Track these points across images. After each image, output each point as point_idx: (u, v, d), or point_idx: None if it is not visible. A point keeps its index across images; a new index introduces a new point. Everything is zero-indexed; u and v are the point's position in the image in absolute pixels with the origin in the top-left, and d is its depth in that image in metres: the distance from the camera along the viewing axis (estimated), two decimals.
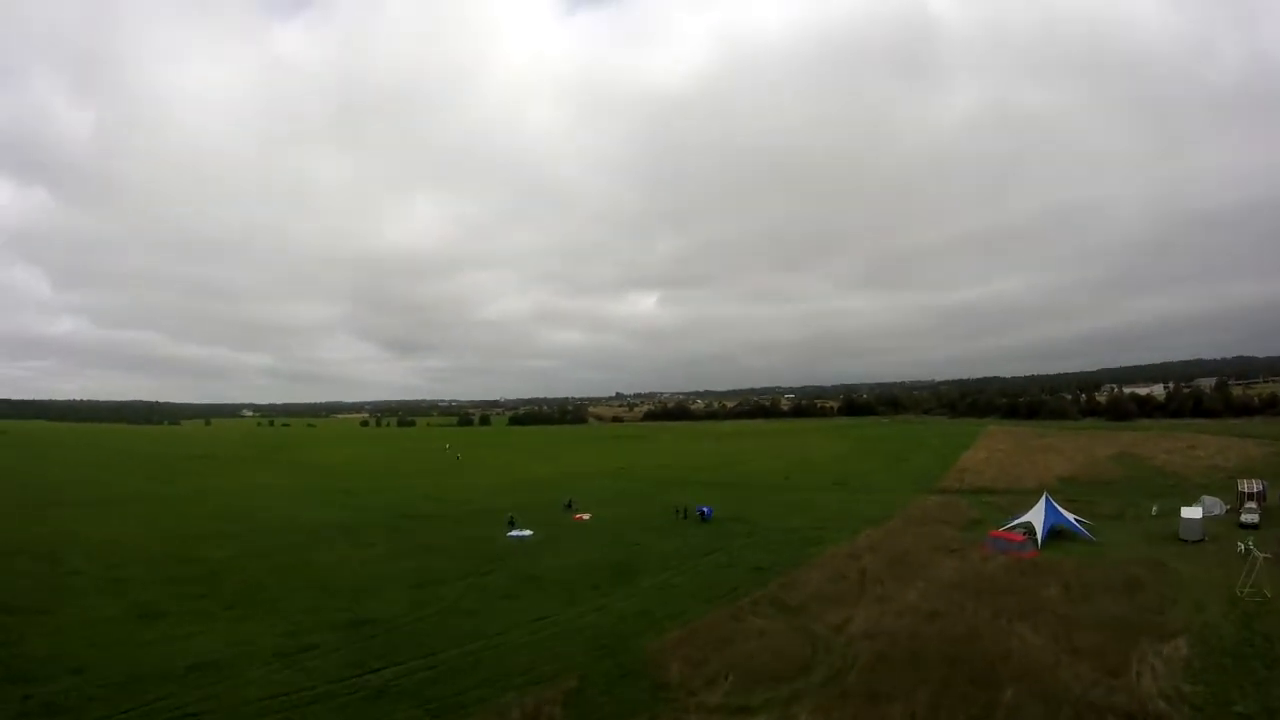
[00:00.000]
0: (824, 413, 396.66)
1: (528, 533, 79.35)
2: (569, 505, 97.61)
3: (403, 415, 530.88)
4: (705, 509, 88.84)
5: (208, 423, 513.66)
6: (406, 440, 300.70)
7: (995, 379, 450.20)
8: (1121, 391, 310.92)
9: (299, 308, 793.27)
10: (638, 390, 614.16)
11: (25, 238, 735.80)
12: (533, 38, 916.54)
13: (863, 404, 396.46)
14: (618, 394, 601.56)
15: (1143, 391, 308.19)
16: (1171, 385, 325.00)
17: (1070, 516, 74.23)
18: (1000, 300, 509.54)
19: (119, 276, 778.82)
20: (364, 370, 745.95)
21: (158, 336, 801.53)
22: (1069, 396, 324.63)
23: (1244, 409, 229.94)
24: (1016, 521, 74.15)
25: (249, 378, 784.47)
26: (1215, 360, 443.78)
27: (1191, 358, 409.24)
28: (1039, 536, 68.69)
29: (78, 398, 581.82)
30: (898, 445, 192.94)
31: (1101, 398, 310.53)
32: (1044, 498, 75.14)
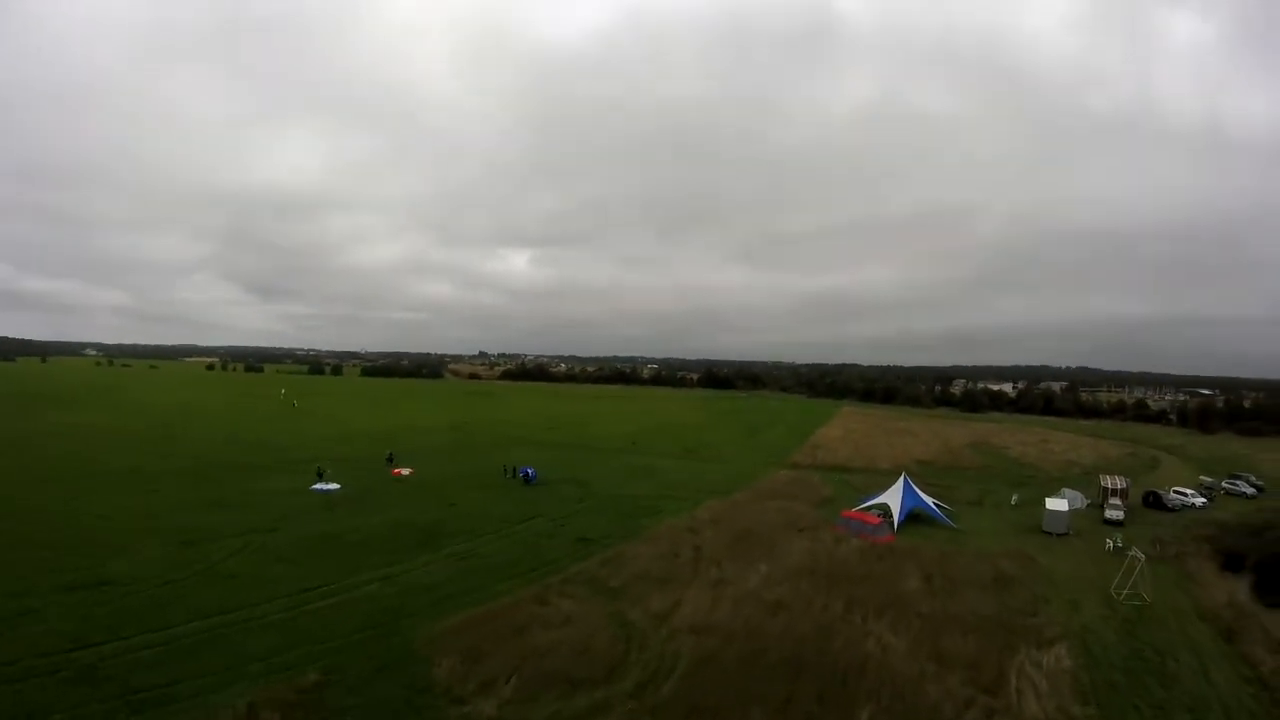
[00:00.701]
0: (684, 383, 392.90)
1: (335, 486, 71.42)
2: (390, 459, 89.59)
3: (252, 361, 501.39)
4: (529, 470, 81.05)
5: (44, 359, 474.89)
6: (248, 386, 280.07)
7: (854, 365, 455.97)
8: (975, 385, 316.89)
9: (158, 242, 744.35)
10: (503, 350, 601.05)
11: None
12: None
13: (723, 378, 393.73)
14: (481, 353, 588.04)
15: (994, 387, 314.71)
16: (1022, 384, 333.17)
17: (929, 500, 68.72)
18: (866, 289, 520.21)
19: None
20: (223, 313, 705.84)
21: (5, 267, 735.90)
22: (923, 386, 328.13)
23: (1093, 411, 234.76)
24: (872, 502, 68.48)
25: (99, 316, 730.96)
26: (1061, 368, 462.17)
27: (1039, 363, 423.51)
28: (895, 519, 62.93)
29: None
30: (753, 418, 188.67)
31: (955, 390, 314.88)
32: (902, 478, 69.50)
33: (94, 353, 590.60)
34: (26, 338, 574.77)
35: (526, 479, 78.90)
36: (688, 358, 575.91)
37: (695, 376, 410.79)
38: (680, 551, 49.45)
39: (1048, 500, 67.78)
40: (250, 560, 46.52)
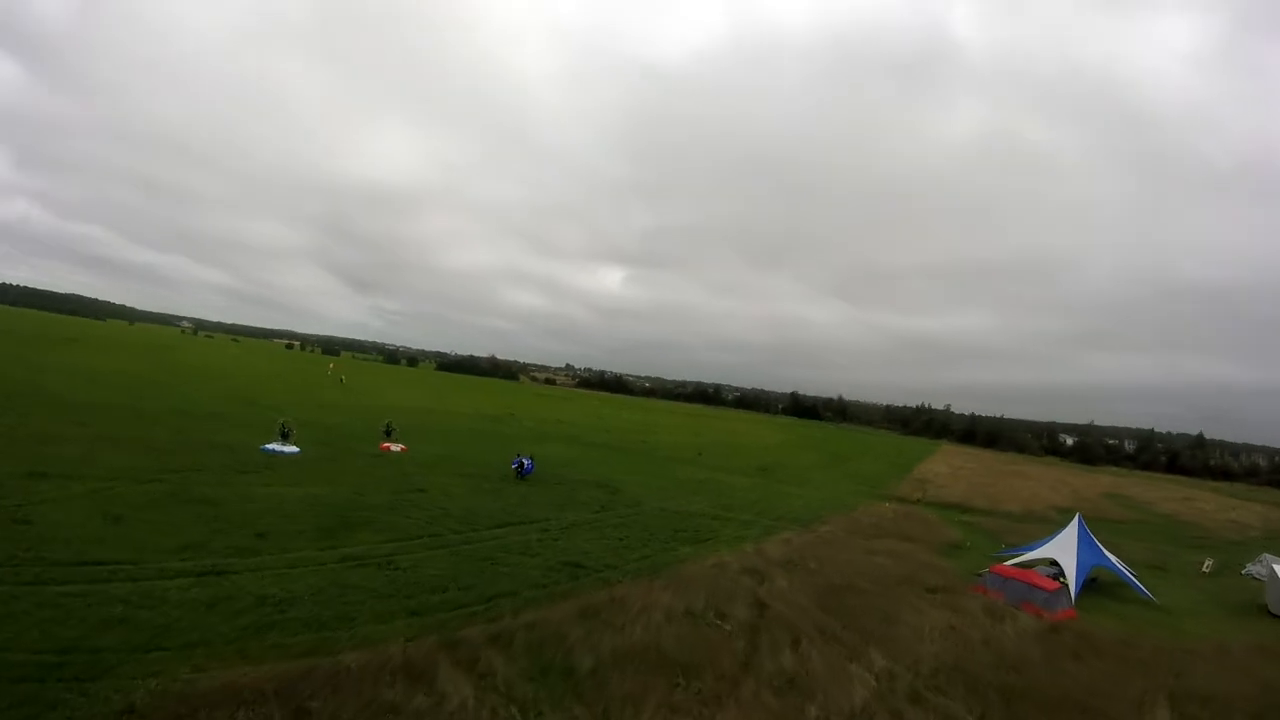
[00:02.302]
0: (769, 408, 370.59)
1: (294, 449, 57.18)
2: (387, 432, 72.95)
3: (329, 346, 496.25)
4: (526, 461, 61.80)
5: (130, 324, 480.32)
6: (309, 362, 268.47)
7: (946, 411, 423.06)
8: (1093, 426, 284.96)
9: (261, 226, 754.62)
10: (589, 365, 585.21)
11: None
12: None
13: (809, 406, 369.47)
14: (567, 365, 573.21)
15: (1109, 441, 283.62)
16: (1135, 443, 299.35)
17: (1115, 560, 46.14)
18: (960, 335, 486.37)
19: (81, 165, 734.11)
20: (318, 302, 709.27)
21: (113, 235, 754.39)
22: (1029, 434, 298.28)
23: (1222, 473, 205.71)
24: (1031, 555, 46.37)
25: (202, 294, 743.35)
26: (1171, 434, 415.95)
27: (1145, 427, 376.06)
28: (1073, 585, 40.22)
29: (27, 284, 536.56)
30: (841, 446, 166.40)
31: (1064, 440, 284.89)
32: (1076, 521, 47.94)
33: (187, 324, 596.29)
34: (130, 305, 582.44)
35: (520, 471, 60.00)
36: (773, 389, 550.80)
37: (780, 404, 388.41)
38: (728, 610, 28.18)
39: (1276, 566, 46.06)
40: (71, 509, 31.84)
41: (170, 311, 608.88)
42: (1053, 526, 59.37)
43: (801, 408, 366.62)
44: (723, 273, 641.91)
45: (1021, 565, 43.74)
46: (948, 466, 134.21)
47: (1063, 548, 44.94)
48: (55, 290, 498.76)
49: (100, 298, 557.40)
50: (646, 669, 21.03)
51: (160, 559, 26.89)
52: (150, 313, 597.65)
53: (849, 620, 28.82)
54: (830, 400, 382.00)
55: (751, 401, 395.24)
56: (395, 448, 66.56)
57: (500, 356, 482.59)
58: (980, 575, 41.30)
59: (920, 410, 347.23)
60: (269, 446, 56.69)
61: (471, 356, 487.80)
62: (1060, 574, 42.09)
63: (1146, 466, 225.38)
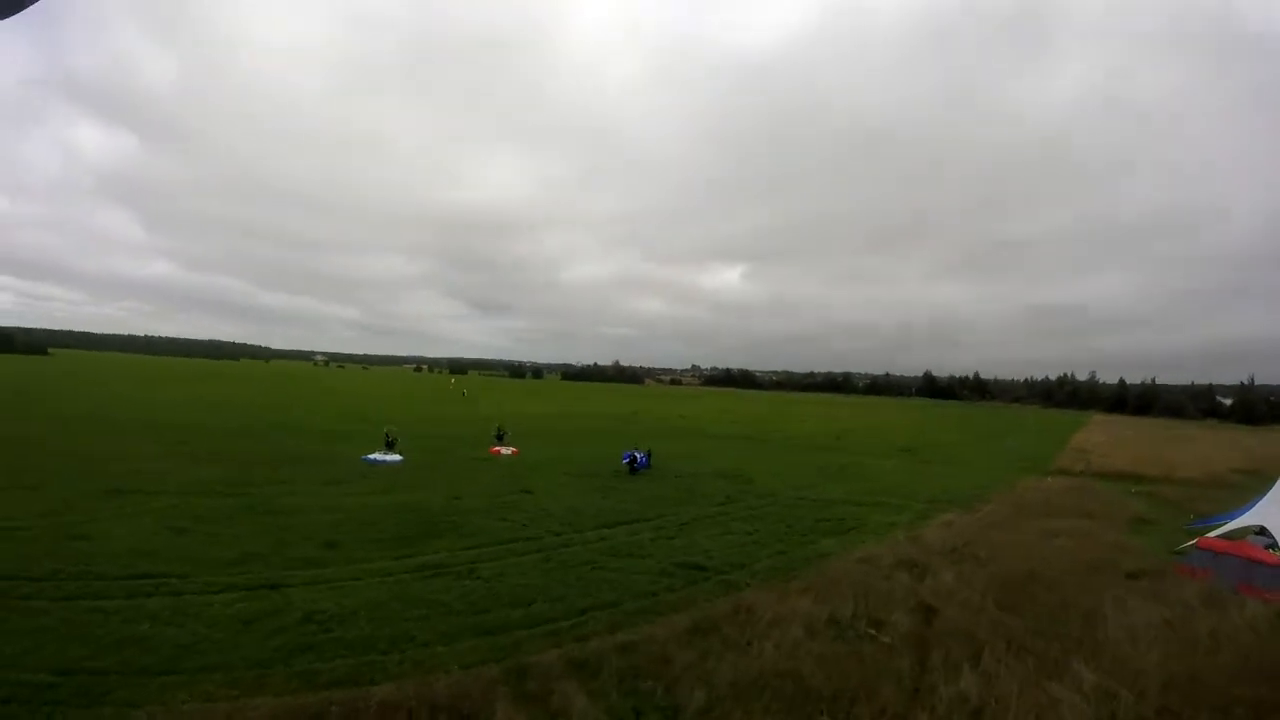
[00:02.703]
0: (901, 391, 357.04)
1: (396, 458, 54.78)
2: (499, 436, 69.87)
3: (456, 366, 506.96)
4: (640, 455, 57.18)
5: (267, 361, 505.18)
6: (436, 382, 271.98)
7: (1090, 382, 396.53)
8: (1253, 385, 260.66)
9: (380, 262, 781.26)
10: (714, 365, 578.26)
11: (116, 181, 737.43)
12: None
13: (944, 386, 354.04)
14: (693, 365, 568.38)
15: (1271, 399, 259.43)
16: None
17: None
18: (1097, 300, 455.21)
19: (206, 223, 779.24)
20: (445, 327, 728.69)
21: (246, 285, 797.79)
22: (1184, 398, 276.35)
23: None
24: (1234, 524, 38.40)
25: (334, 329, 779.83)
26: None
27: None
28: None
29: (174, 336, 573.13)
30: (985, 424, 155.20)
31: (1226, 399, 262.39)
32: None
33: (321, 358, 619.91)
34: (266, 345, 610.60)
35: (633, 466, 55.36)
36: (904, 374, 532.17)
37: (912, 386, 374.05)
38: (885, 618, 22.35)
39: None
40: (137, 524, 30.26)
41: (304, 348, 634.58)
42: (1239, 491, 51.59)
43: (936, 388, 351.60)
44: (843, 260, 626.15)
45: (1227, 536, 36.27)
46: (1105, 436, 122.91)
47: (1270, 512, 37.30)
48: (196, 338, 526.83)
49: (238, 340, 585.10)
50: (780, 704, 15.61)
51: (213, 572, 23.89)
52: (285, 350, 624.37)
53: (1040, 623, 22.55)
54: (965, 379, 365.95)
55: (883, 386, 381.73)
56: (506, 451, 63.57)
57: (625, 363, 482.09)
58: (1182, 553, 34.24)
59: (1063, 381, 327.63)
60: (370, 456, 54.50)
61: (595, 364, 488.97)
62: (1274, 544, 34.62)
63: None
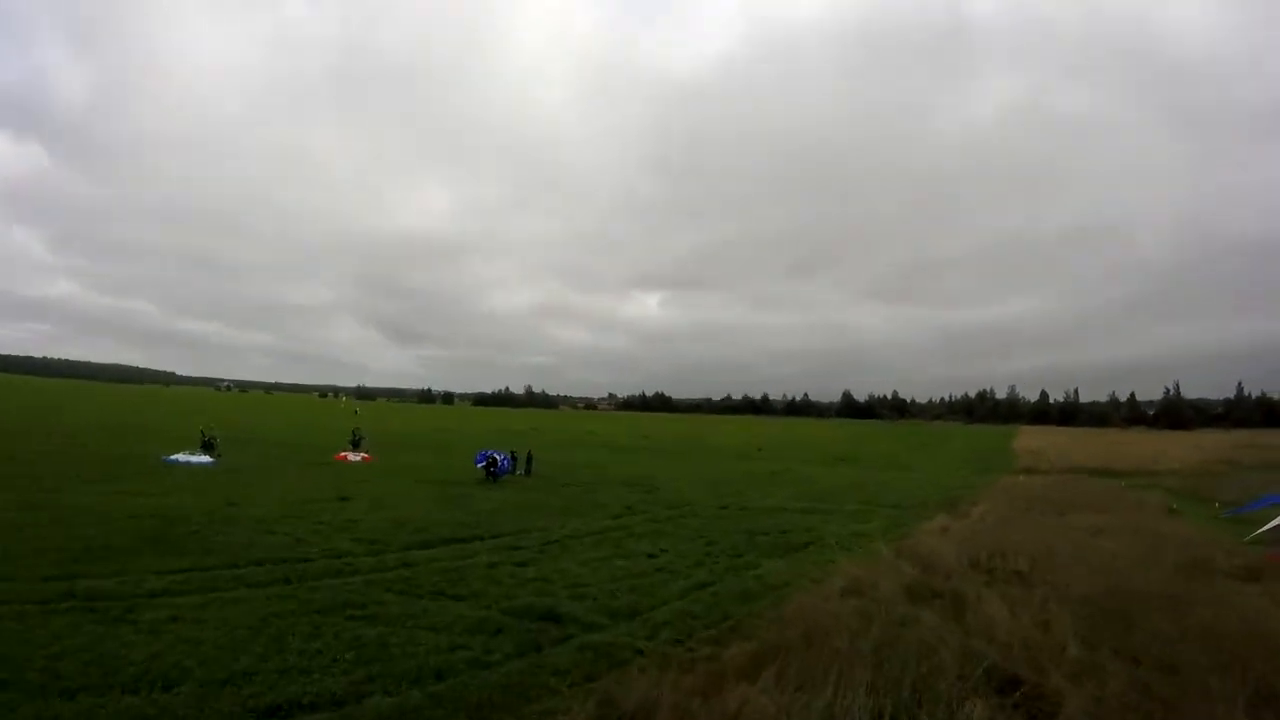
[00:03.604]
0: (821, 413, 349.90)
1: (206, 460, 45.53)
2: (354, 442, 59.27)
3: (364, 394, 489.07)
4: (502, 456, 45.19)
5: (168, 385, 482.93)
6: (332, 406, 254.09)
7: (1010, 398, 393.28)
8: (1179, 394, 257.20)
9: (299, 288, 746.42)
10: (632, 393, 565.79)
11: (22, 198, 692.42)
12: (546, 13, 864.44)
13: (864, 406, 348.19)
14: (610, 394, 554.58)
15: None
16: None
17: None
18: (1014, 320, 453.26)
19: (116, 244, 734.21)
20: (363, 355, 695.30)
21: (155, 309, 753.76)
22: (1108, 406, 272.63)
23: None
24: None
25: (247, 356, 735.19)
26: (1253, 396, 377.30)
27: (1219, 397, 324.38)
28: None
29: (75, 359, 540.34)
30: (915, 436, 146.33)
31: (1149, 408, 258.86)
32: None
33: (227, 385, 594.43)
34: (173, 370, 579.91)
35: (490, 470, 43.10)
36: (821, 399, 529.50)
37: (834, 409, 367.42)
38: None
39: None
40: None
41: (214, 375, 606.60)
42: (1233, 479, 49.61)
43: (856, 408, 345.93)
44: (762, 286, 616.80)
45: None
46: (1044, 442, 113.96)
47: None
48: (97, 362, 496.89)
49: (143, 366, 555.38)
50: None
51: None
52: (192, 377, 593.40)
53: (1201, 678, 10.57)
54: (884, 398, 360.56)
55: (802, 408, 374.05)
56: (355, 457, 52.79)
57: (541, 390, 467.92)
58: (1259, 541, 26.72)
59: (984, 396, 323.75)
60: (173, 457, 45.24)
61: (508, 389, 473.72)
62: None
63: (1241, 424, 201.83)
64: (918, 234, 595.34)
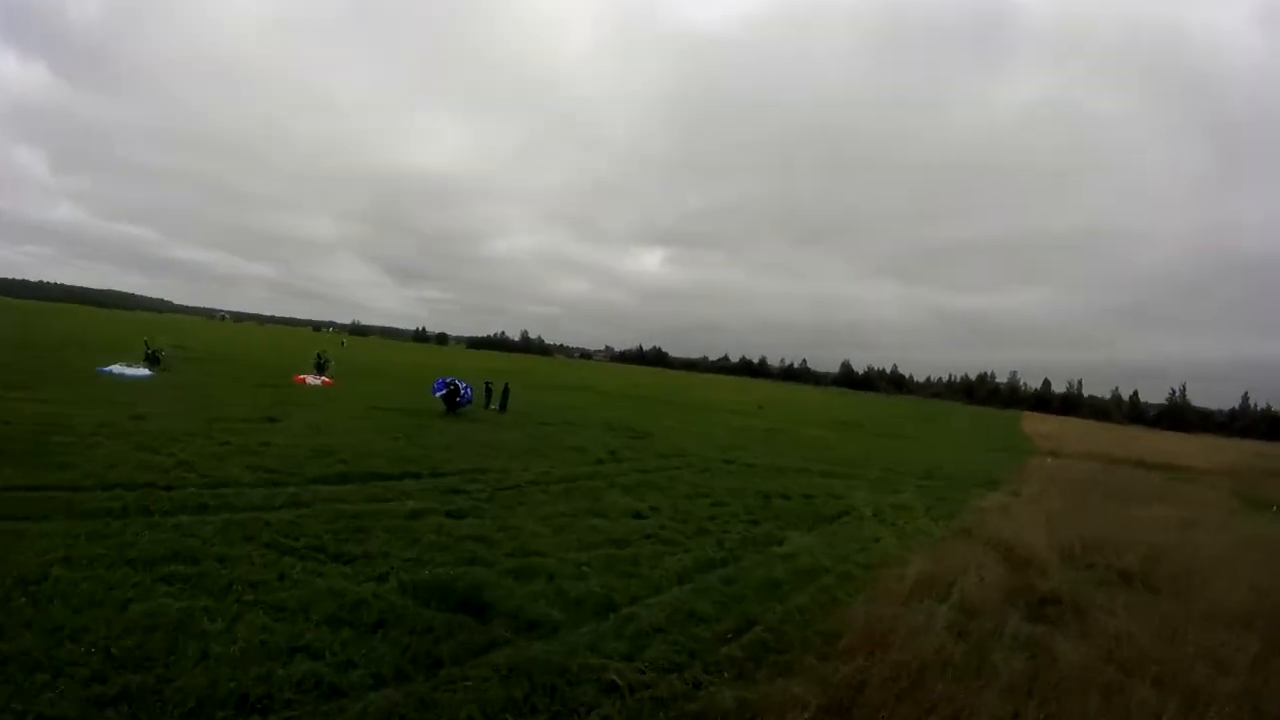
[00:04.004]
0: (818, 380, 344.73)
1: (144, 372, 41.05)
2: (319, 365, 54.47)
3: (358, 330, 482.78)
4: (465, 386, 39.17)
5: (160, 314, 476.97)
6: (326, 339, 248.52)
7: (1011, 382, 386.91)
8: (1184, 398, 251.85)
9: (305, 220, 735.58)
10: (629, 348, 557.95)
11: (25, 115, 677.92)
12: None
13: (862, 377, 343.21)
14: (607, 347, 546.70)
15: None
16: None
17: None
18: (1016, 313, 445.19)
19: (120, 166, 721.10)
20: (364, 294, 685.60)
21: (158, 235, 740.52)
22: (1109, 401, 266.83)
23: None
24: None
25: (248, 288, 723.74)
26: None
27: (1229, 407, 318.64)
28: None
29: (70, 284, 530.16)
30: (917, 410, 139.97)
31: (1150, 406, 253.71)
32: None
33: (225, 315, 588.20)
34: (171, 299, 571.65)
35: (451, 401, 37.53)
36: (821, 370, 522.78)
37: (830, 378, 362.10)
38: None
39: None
40: None
41: (213, 306, 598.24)
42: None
43: (853, 379, 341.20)
44: (767, 251, 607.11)
45: None
46: (1054, 428, 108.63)
47: None
48: (94, 287, 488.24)
49: (140, 293, 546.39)
50: None
51: None
52: (190, 306, 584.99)
53: None
54: (883, 372, 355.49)
55: (800, 374, 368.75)
56: (315, 381, 48.01)
57: (538, 338, 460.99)
58: None
59: (984, 379, 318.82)
60: (109, 368, 40.71)
61: (503, 334, 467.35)
62: None
63: (1245, 433, 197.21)
64: (927, 219, 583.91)
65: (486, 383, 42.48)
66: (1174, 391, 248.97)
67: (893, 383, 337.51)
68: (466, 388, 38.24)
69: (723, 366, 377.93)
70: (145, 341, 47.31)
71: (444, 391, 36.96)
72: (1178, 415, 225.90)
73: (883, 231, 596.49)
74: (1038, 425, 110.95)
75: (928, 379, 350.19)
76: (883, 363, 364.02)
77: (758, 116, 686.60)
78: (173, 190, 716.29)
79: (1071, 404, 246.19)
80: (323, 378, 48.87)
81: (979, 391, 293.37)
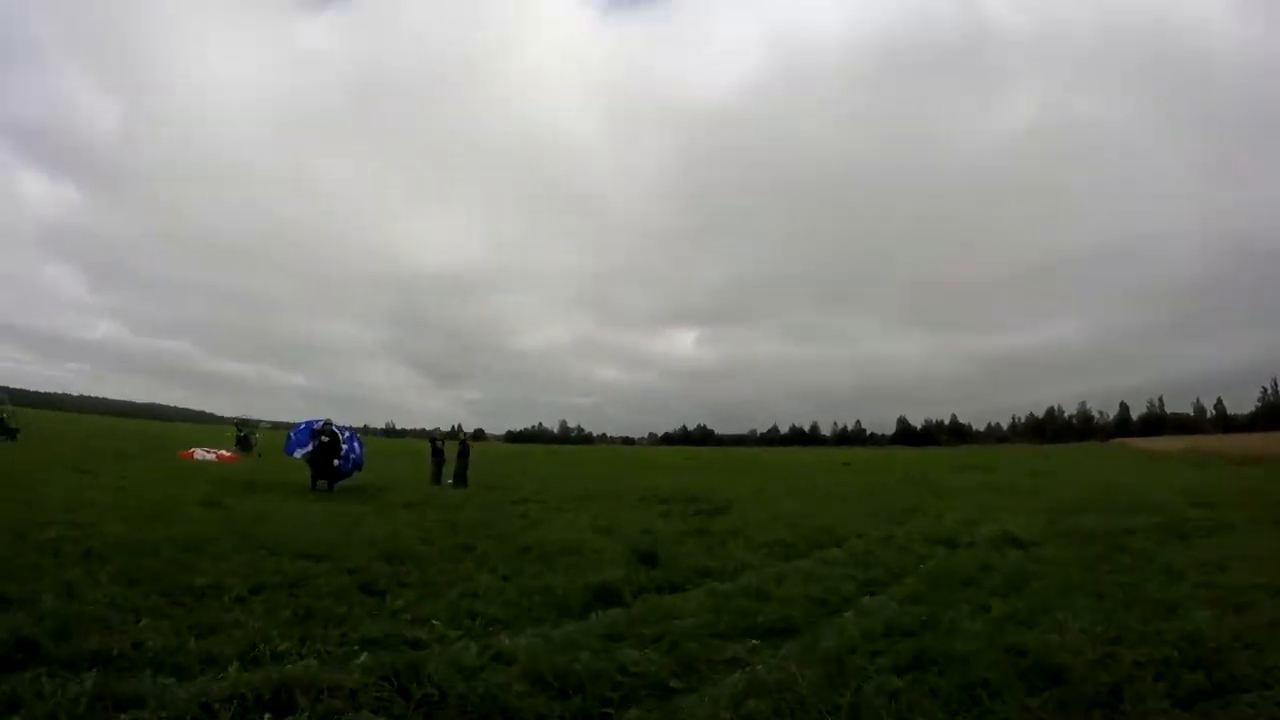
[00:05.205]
0: (874, 441, 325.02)
1: None
2: (241, 440, 51.55)
3: (389, 431, 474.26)
4: (348, 435, 25.85)
5: (197, 424, 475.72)
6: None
7: (1082, 411, 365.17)
8: (1277, 395, 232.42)
9: (331, 325, 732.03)
10: (670, 430, 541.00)
11: (59, 234, 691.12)
12: (564, 39, 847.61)
13: (919, 432, 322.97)
14: (650, 434, 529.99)
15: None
16: None
17: None
18: (1051, 345, 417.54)
19: (152, 281, 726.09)
20: (402, 397, 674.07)
21: (194, 349, 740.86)
22: (1190, 413, 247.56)
23: None
24: None
25: (286, 397, 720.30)
26: None
27: None
28: None
29: (112, 398, 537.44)
30: (1005, 454, 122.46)
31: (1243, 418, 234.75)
32: None
33: (269, 425, 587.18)
34: (209, 411, 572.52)
35: (326, 458, 24.02)
36: (876, 430, 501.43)
37: (884, 435, 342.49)
38: None
39: None
40: None
41: (252, 415, 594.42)
42: None
43: (911, 434, 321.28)
44: (796, 318, 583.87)
45: None
46: (1186, 445, 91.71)
47: None
48: (133, 401, 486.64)
49: (179, 405, 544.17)
50: None
51: None
52: (228, 416, 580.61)
53: None
54: (940, 423, 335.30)
55: (855, 437, 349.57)
56: (207, 455, 41.25)
57: (578, 426, 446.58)
58: None
59: (1053, 415, 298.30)
60: None
61: (540, 424, 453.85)
62: None
63: None
64: (944, 259, 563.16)
65: (433, 440, 28.42)
66: (1265, 391, 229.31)
67: (953, 433, 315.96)
68: (352, 439, 23.80)
69: (774, 437, 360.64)
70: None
71: (309, 448, 22.47)
72: (1274, 415, 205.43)
73: (904, 277, 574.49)
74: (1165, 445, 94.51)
75: (987, 425, 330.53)
76: (936, 415, 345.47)
77: (767, 179, 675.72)
78: (199, 302, 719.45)
79: (1154, 425, 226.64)
80: (221, 451, 42.73)
81: (1050, 428, 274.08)
